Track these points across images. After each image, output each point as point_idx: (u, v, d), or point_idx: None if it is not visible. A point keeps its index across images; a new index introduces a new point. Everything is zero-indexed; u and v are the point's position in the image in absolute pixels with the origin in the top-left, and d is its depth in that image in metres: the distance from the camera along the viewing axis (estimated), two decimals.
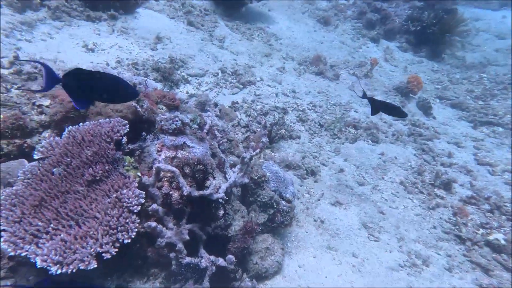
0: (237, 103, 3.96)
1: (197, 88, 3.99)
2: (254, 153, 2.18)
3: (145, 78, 2.69)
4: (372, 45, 6.79)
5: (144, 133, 2.01)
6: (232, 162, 2.56)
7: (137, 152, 1.96)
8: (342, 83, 5.30)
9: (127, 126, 1.85)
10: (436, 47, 6.91)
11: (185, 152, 2.03)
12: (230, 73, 4.48)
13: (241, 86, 4.33)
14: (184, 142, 2.08)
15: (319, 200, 3.09)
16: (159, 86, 3.40)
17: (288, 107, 4.26)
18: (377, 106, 2.65)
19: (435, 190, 3.61)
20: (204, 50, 4.72)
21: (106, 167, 1.70)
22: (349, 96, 4.99)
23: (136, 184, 1.69)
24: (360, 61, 5.92)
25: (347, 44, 6.57)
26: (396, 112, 2.65)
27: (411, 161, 4.04)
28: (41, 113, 2.01)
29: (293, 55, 5.68)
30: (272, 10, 6.88)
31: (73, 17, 3.92)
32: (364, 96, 2.61)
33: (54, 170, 1.67)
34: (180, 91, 3.82)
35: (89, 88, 1.45)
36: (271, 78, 4.78)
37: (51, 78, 1.37)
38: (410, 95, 5.41)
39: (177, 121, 2.09)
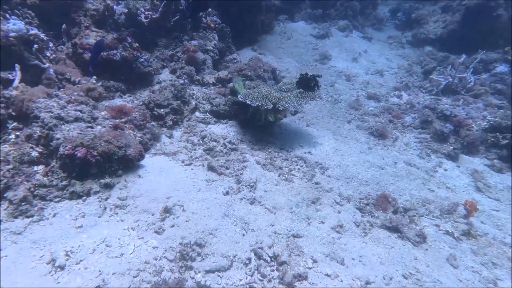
0: None
1: None
2: None
3: None
4: (450, 165, 5.34)
5: None
6: None
7: None
8: (433, 251, 3.68)
9: None
10: None
11: None
12: (268, 259, 3.14)
13: None
14: None
15: None
16: None
17: None
18: None
19: None
20: (230, 214, 3.54)
21: None
22: (455, 282, 3.31)
23: None
24: (445, 202, 4.39)
25: (417, 166, 5.18)
26: None
27: None
28: None
29: (349, 194, 4.35)
30: (311, 125, 5.92)
31: (50, 200, 3.01)
32: None
33: None
34: None
35: None
36: (328, 253, 3.35)
37: None
38: None
39: None
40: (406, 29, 12.08)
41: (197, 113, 5.43)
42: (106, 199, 3.24)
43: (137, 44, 5.28)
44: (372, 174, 4.83)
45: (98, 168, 3.38)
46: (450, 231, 3.83)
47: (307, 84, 5.14)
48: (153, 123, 4.62)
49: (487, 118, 6.12)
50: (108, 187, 3.34)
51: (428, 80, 8.15)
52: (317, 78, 5.14)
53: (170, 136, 4.69)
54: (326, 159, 5.03)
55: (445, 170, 5.19)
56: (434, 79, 7.84)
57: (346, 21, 11.16)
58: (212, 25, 6.82)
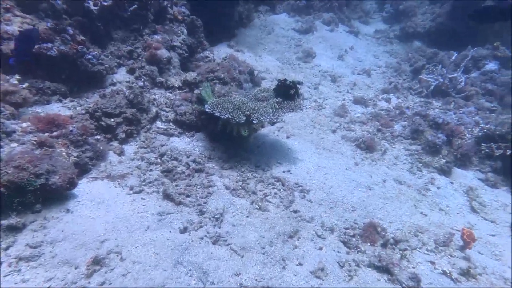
0: None
1: None
2: None
3: None
4: (443, 181, 4.87)
5: None
6: None
7: None
8: None
9: None
10: None
11: None
12: None
13: None
14: None
15: None
16: None
17: None
18: None
19: None
20: (185, 260, 2.88)
21: None
22: None
23: None
24: (440, 231, 3.91)
25: (407, 184, 4.68)
26: None
27: None
28: None
29: (332, 223, 3.78)
30: (292, 137, 5.29)
31: None
32: None
33: None
34: None
35: None
36: None
37: None
38: None
39: None
40: (394, 22, 11.59)
41: (158, 123, 4.67)
42: (6, 249, 2.48)
43: (82, 37, 4.41)
44: (359, 197, 4.28)
45: (1, 203, 2.61)
46: (448, 271, 3.35)
47: (287, 92, 4.48)
48: (98, 136, 3.84)
49: (480, 125, 5.71)
50: (14, 230, 2.58)
51: (418, 80, 7.70)
52: (298, 85, 4.49)
53: (121, 153, 3.92)
54: (307, 179, 4.43)
55: (438, 188, 4.72)
56: (423, 80, 7.39)
57: (331, 14, 10.51)
58: (180, 17, 5.99)
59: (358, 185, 4.53)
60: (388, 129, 5.76)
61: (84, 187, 3.26)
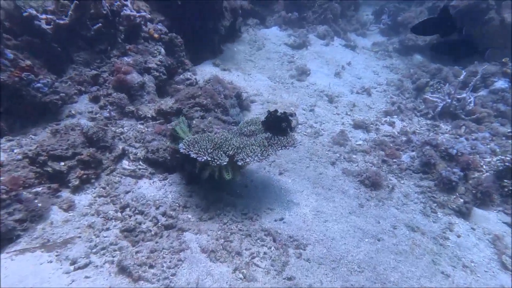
0: None
1: None
2: None
3: None
4: (463, 226, 4.19)
5: None
6: None
7: None
8: None
9: None
10: None
11: None
12: None
13: None
14: None
15: None
16: None
17: None
18: None
19: None
20: None
21: None
22: None
23: None
24: None
25: (421, 230, 3.98)
26: None
27: None
28: None
29: None
30: (285, 173, 4.59)
31: None
32: None
33: None
34: None
35: None
36: None
37: None
38: None
39: None
40: (392, 34, 11.12)
41: (125, 162, 3.94)
42: None
43: (28, 62, 3.70)
44: (367, 252, 3.57)
45: None
46: None
47: (277, 126, 3.81)
48: (40, 188, 3.09)
49: (499, 155, 5.08)
50: None
51: (422, 100, 7.11)
52: (291, 118, 3.82)
53: (69, 208, 3.17)
54: (304, 229, 3.71)
55: (458, 236, 4.03)
56: (429, 99, 6.80)
57: (326, 26, 9.99)
58: (156, 35, 5.33)
59: (364, 235, 3.82)
60: (394, 160, 5.09)
61: (1, 266, 2.49)
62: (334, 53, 9.03)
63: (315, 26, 9.97)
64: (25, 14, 3.93)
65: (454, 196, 4.43)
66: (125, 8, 5.00)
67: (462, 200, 4.36)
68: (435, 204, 4.42)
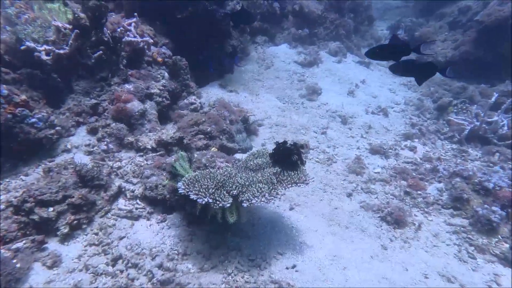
0: None
1: None
2: None
3: None
4: (506, 275, 3.64)
5: None
6: None
7: None
8: None
9: None
10: None
11: None
12: None
13: None
14: None
15: None
16: None
17: None
18: None
19: None
20: None
21: None
22: None
23: None
24: None
25: (459, 281, 3.45)
26: None
27: None
28: None
29: None
30: (296, 207, 4.17)
31: None
32: None
33: None
34: None
35: None
36: None
37: None
38: None
39: None
40: None
41: (122, 201, 3.62)
42: None
43: (23, 97, 3.49)
44: None
45: None
46: None
47: (287, 159, 3.43)
48: (21, 243, 2.77)
49: None
50: None
51: (446, 121, 6.61)
52: (302, 150, 3.44)
53: (53, 265, 2.83)
54: (320, 279, 3.26)
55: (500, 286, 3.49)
56: (454, 122, 6.29)
57: (338, 43, 9.67)
58: (160, 58, 5.12)
59: (391, 286, 3.33)
60: (419, 192, 4.59)
61: None
62: (347, 70, 8.66)
63: (327, 43, 9.67)
64: (22, 47, 3.78)
65: (496, 239, 3.87)
66: (128, 33, 4.83)
67: (507, 245, 3.79)
68: (472, 248, 3.88)
